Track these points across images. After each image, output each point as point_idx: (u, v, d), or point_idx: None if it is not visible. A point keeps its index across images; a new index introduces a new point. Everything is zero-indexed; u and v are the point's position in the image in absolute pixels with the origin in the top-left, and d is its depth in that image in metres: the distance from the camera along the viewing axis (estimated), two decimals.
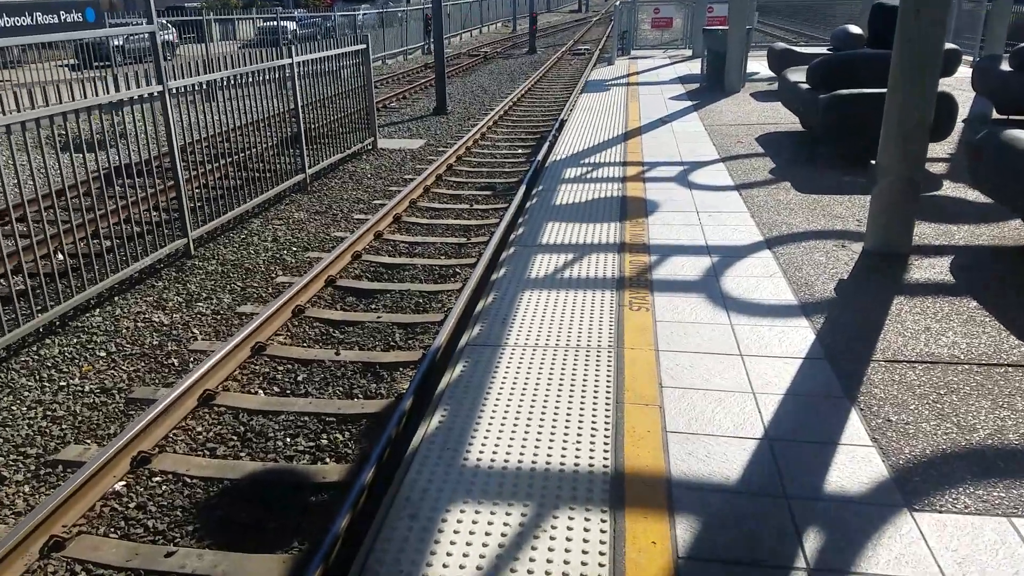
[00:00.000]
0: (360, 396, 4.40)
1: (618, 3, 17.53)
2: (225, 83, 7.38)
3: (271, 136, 8.42)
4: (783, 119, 9.91)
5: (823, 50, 11.12)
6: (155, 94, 6.27)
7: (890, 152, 4.98)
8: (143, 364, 4.80)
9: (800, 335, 4.03)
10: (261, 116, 8.11)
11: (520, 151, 10.93)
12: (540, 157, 9.88)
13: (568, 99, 15.12)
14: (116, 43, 22.38)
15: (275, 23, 30.63)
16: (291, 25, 31.79)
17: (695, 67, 15.41)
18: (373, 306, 5.61)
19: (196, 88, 6.89)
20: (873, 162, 5.27)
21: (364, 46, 10.47)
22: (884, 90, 5.03)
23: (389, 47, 26.48)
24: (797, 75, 8.89)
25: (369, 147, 10.92)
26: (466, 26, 37.79)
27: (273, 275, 6.26)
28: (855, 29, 10.29)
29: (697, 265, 5.05)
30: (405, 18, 29.54)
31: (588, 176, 7.45)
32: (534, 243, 5.68)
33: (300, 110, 8.66)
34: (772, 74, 12.38)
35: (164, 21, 27.33)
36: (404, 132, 12.56)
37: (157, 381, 4.60)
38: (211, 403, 4.30)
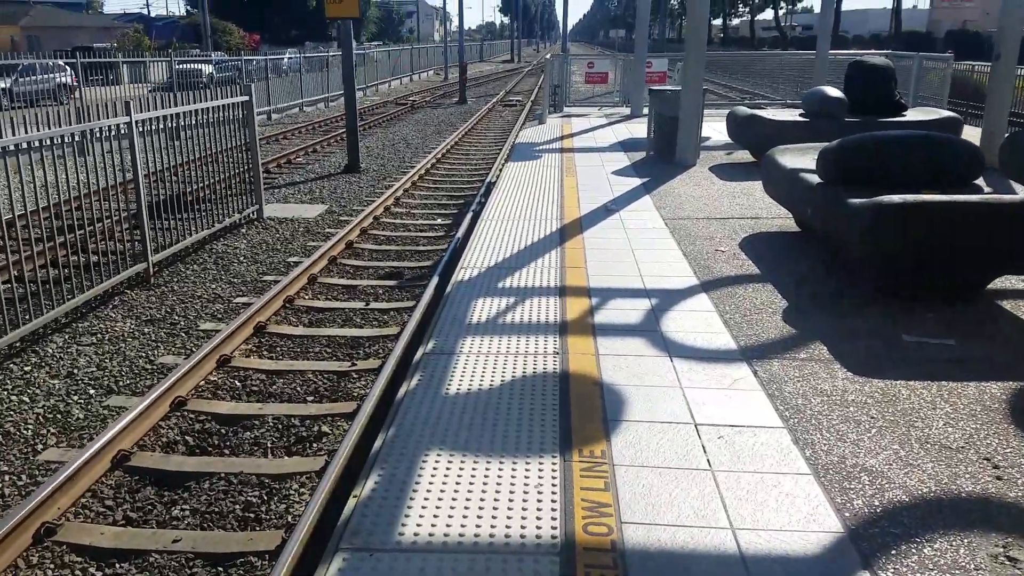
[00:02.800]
0: None
1: (548, 56, 15.95)
2: (20, 148, 5.29)
3: (97, 215, 6.31)
4: (763, 211, 7.46)
5: (794, 115, 9.44)
6: None
7: None
8: None
9: None
10: (82, 191, 6.03)
11: (439, 221, 9.07)
12: (460, 233, 8.03)
13: (498, 155, 13.46)
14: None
15: (190, 66, 28.40)
16: (208, 68, 29.56)
17: (636, 129, 13.33)
18: (177, 511, 3.54)
19: None
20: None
21: (246, 97, 8.51)
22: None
23: (310, 93, 24.58)
24: (794, 160, 6.38)
25: (252, 217, 8.87)
26: (396, 73, 36.29)
27: (39, 446, 4.12)
28: (834, 92, 8.72)
29: None
30: (327, 63, 27.75)
31: (506, 324, 4.56)
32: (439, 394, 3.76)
33: (141, 181, 6.57)
34: (729, 140, 10.65)
35: (59, 61, 24.83)
36: (304, 195, 10.56)
37: None
38: None
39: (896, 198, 4.63)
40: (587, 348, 4.24)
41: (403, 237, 8.36)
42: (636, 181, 9.07)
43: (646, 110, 14.65)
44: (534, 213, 7.45)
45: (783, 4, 65.62)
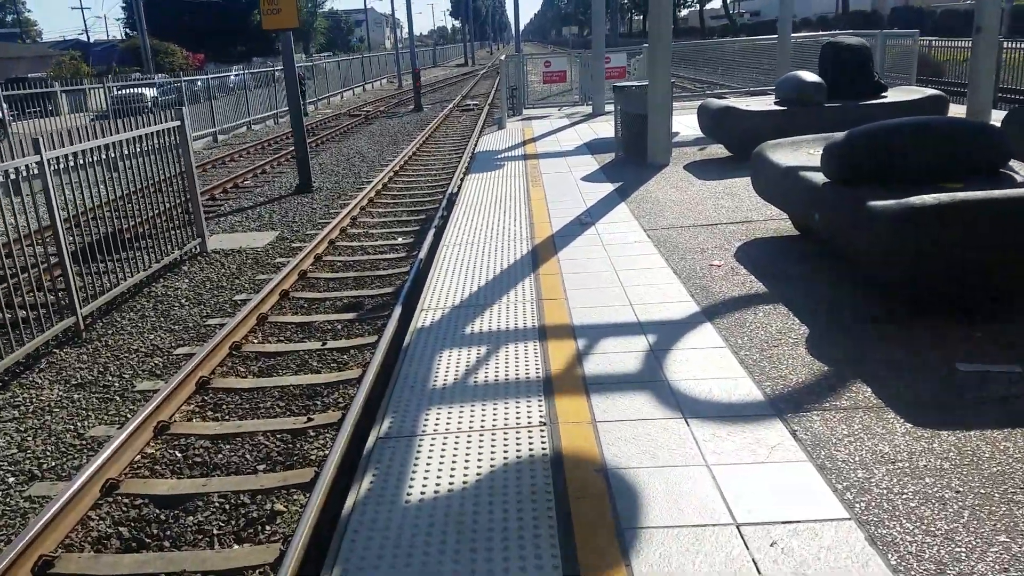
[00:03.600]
0: None
1: (503, 57, 15.35)
2: None
3: (15, 268, 5.62)
4: (753, 212, 6.80)
5: (768, 104, 8.84)
6: None
7: None
8: None
9: None
10: None
11: (400, 241, 8.49)
12: (423, 253, 7.47)
13: (458, 165, 12.90)
14: None
15: (131, 91, 27.30)
16: (150, 92, 28.50)
17: (601, 128, 12.77)
18: None
19: None
20: None
21: (178, 123, 7.84)
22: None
23: (258, 110, 23.76)
24: (788, 156, 5.70)
25: (196, 251, 8.20)
26: (348, 84, 35.49)
27: None
28: (810, 76, 8.18)
29: None
30: (274, 77, 26.92)
31: (478, 386, 3.82)
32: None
33: (60, 225, 5.89)
34: (701, 135, 10.13)
35: None
36: (253, 221, 9.89)
37: None
38: None
39: (929, 199, 3.93)
40: (581, 413, 3.48)
41: (362, 262, 7.77)
42: (608, 187, 8.39)
43: (608, 107, 14.08)
44: (502, 232, 6.79)
45: None
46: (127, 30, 45.05)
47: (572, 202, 7.80)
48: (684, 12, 77.11)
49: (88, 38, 68.22)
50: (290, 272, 7.14)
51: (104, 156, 6.68)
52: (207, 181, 13.22)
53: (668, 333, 4.35)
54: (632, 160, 9.53)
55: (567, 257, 5.92)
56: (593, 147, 11.08)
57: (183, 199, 8.02)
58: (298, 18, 11.11)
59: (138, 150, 7.19)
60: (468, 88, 35.53)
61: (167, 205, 7.71)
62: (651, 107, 8.82)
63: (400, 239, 8.62)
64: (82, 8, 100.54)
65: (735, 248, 5.91)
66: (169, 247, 7.66)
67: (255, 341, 5.75)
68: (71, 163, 6.21)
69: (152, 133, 7.44)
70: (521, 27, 49.00)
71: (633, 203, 7.55)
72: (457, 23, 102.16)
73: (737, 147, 8.46)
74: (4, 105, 22.73)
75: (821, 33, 15.60)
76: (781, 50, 12.10)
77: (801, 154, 5.50)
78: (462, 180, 9.87)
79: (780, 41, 12.14)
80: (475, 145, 13.37)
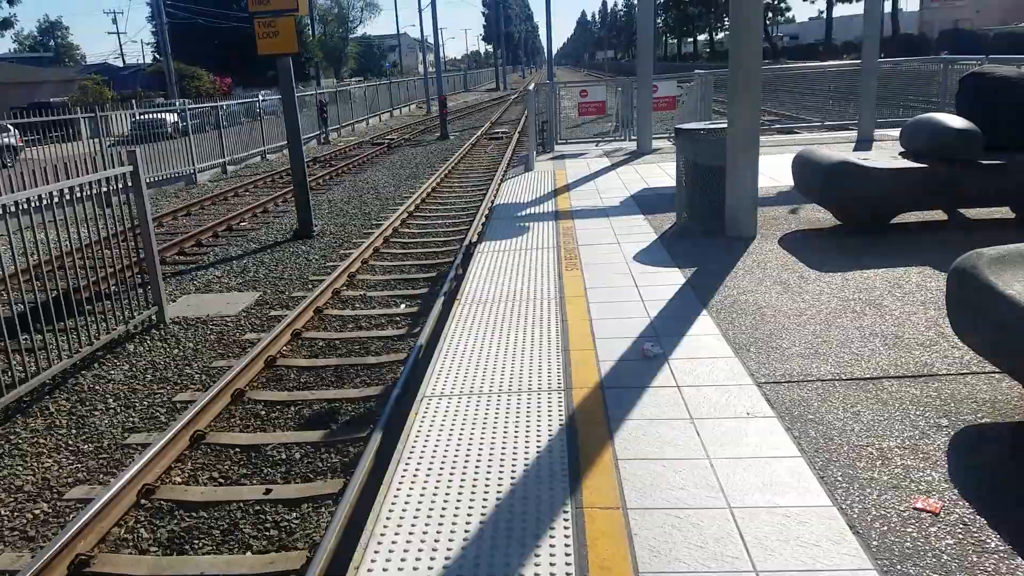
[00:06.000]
0: None
1: (532, 87, 13.26)
2: None
3: None
4: (930, 350, 4.02)
5: (896, 158, 6.34)
6: None
7: None
8: None
9: None
10: None
11: (402, 309, 6.90)
12: (423, 340, 5.86)
13: (481, 203, 11.31)
14: None
15: (152, 116, 26.46)
16: (171, 118, 27.67)
17: (650, 173, 10.10)
18: None
19: None
20: None
21: (129, 168, 6.38)
22: None
23: (275, 139, 22.61)
24: None
25: (153, 321, 6.71)
26: (375, 110, 34.40)
27: None
28: (957, 120, 5.91)
29: None
30: (301, 102, 25.86)
31: None
32: None
33: None
34: (779, 184, 7.98)
35: (3, 122, 22.87)
36: (235, 277, 8.39)
37: None
38: None
39: None
40: None
41: (349, 342, 6.18)
42: (676, 276, 5.63)
43: (657, 144, 12.27)
44: (517, 373, 4.05)
45: (768, 14, 64.25)
46: (155, 54, 44.81)
47: (626, 304, 5.09)
48: (721, 35, 75.47)
49: (123, 61, 68.81)
50: (255, 358, 5.58)
51: (31, 209, 5.21)
52: (198, 222, 11.86)
53: None
54: (701, 227, 6.83)
55: (629, 452, 3.17)
56: (644, 203, 8.43)
57: (134, 259, 6.54)
58: (297, 43, 9.72)
59: (80, 198, 5.73)
60: (497, 115, 34.20)
61: (113, 268, 6.23)
62: (732, 158, 6.31)
63: (403, 306, 7.04)
64: (118, 32, 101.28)
65: (941, 448, 3.09)
66: (113, 320, 6.16)
67: (177, 479, 4.15)
68: None
69: (96, 181, 5.99)
70: (554, 51, 47.85)
71: (722, 314, 4.76)
72: (490, 48, 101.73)
73: (856, 216, 6.33)
74: (13, 130, 21.91)
75: (914, 59, 13.66)
76: (866, 78, 10.13)
77: None
78: (475, 244, 7.44)
79: (864, 67, 10.19)
80: (496, 192, 11.18)
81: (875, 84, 10.34)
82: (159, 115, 26.86)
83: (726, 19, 69.83)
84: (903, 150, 6.37)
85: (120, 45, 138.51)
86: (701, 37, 78.43)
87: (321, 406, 4.99)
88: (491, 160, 18.14)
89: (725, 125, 6.36)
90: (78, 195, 5.78)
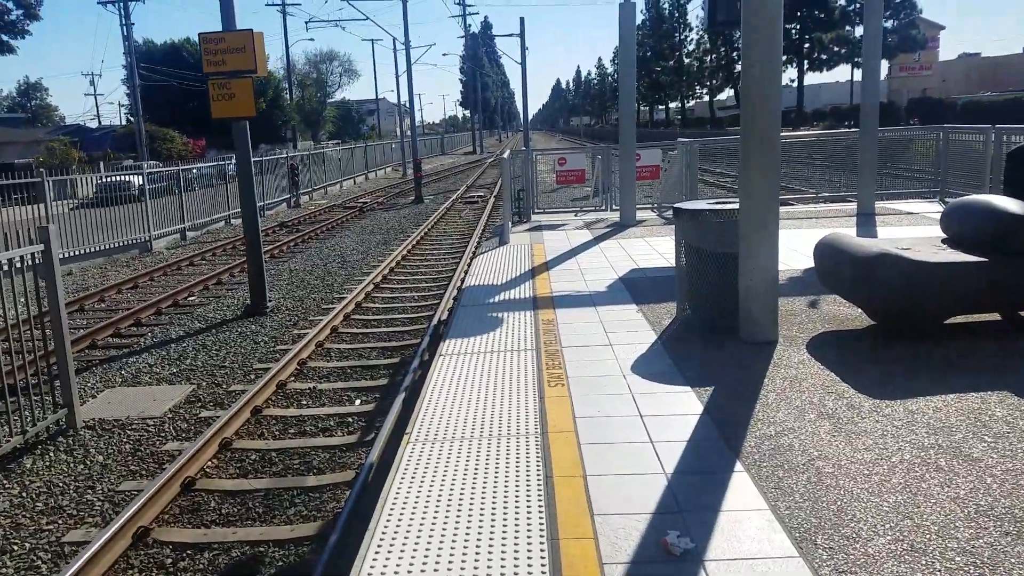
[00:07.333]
0: None
1: (506, 155, 12.12)
2: None
3: None
4: None
5: (939, 246, 5.33)
6: None
7: None
8: None
9: None
10: None
11: (357, 407, 5.96)
12: (377, 450, 4.92)
13: (454, 273, 10.49)
14: None
15: (117, 179, 25.55)
16: (137, 180, 26.80)
17: (636, 249, 9.14)
18: None
19: None
20: None
21: (40, 247, 5.48)
22: None
23: (238, 204, 21.78)
24: None
25: (62, 427, 5.69)
26: (348, 172, 33.89)
27: None
28: (1013, 204, 4.97)
29: None
30: (273, 165, 25.31)
31: None
32: None
33: None
34: (790, 268, 7.02)
35: None
36: (170, 365, 7.40)
37: None
38: None
39: None
40: None
41: (290, 453, 5.22)
42: (689, 400, 4.34)
43: (641, 215, 11.46)
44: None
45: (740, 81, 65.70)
46: (128, 115, 44.24)
47: (629, 448, 3.76)
48: (692, 103, 76.98)
49: (99, 122, 68.22)
50: (171, 479, 4.60)
51: None
52: (143, 297, 10.90)
53: None
54: (706, 324, 5.70)
55: None
56: (635, 289, 7.20)
57: (40, 354, 5.57)
58: (255, 107, 9.00)
59: None
60: (474, 178, 33.85)
61: (11, 365, 5.26)
62: (745, 244, 5.19)
63: (358, 403, 6.11)
64: (95, 93, 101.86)
65: None
66: (8, 429, 5.15)
67: None
68: None
69: None
70: (530, 117, 48.13)
71: (764, 470, 3.44)
72: (467, 112, 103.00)
73: (897, 317, 5.29)
74: None
75: (920, 127, 13.19)
76: (865, 149, 9.51)
77: None
78: (435, 349, 5.78)
79: (863, 137, 9.58)
80: (467, 268, 10.17)
81: (875, 155, 9.79)
82: (126, 177, 25.98)
83: (697, 87, 71.22)
84: (945, 236, 5.46)
85: (96, 106, 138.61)
86: (673, 104, 79.78)
87: (242, 551, 4.00)
88: (466, 225, 17.46)
89: (734, 206, 5.45)
90: None
